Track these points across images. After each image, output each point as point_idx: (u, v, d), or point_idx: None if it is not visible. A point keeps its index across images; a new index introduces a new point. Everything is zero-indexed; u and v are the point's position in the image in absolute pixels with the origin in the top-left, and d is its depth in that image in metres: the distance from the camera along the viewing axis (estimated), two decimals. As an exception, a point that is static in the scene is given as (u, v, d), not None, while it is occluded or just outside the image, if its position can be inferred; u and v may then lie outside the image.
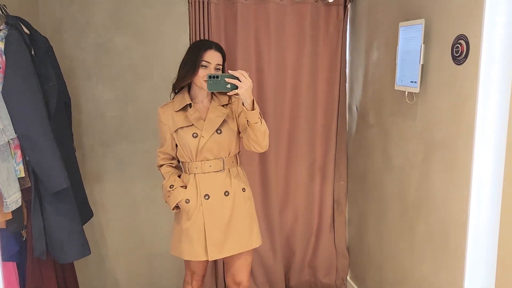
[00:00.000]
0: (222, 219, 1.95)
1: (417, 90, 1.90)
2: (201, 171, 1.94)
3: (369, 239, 2.59)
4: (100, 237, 2.70)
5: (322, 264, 2.95)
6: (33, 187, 1.75)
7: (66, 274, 2.13)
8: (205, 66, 1.86)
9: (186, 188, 1.96)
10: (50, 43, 2.11)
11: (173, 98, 2.00)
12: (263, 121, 1.85)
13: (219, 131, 1.92)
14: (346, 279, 2.95)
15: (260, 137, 1.84)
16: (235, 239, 1.98)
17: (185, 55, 1.93)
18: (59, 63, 2.17)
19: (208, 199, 1.93)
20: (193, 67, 1.86)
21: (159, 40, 2.56)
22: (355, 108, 2.70)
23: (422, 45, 1.85)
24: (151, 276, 2.81)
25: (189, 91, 1.98)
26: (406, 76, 1.98)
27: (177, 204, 1.94)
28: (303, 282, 2.98)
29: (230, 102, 1.98)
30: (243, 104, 1.77)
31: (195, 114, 1.93)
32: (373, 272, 2.57)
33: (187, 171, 1.98)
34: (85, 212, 2.21)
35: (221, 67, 1.92)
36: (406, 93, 2.00)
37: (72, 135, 2.27)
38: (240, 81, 1.69)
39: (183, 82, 1.92)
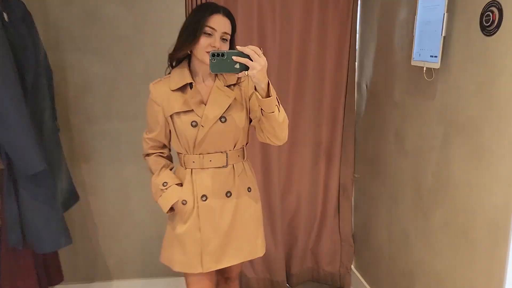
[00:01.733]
0: (222, 225, 1.66)
1: (437, 65, 1.69)
2: (199, 166, 1.63)
3: (378, 227, 2.42)
4: (89, 222, 2.54)
5: (326, 252, 2.79)
6: (6, 169, 1.57)
7: (49, 264, 1.96)
8: (209, 34, 1.51)
9: (181, 186, 1.66)
10: (31, 10, 1.90)
11: (169, 73, 1.65)
12: (281, 108, 1.51)
13: (223, 119, 1.59)
14: (351, 268, 2.80)
15: (277, 128, 1.52)
16: (236, 248, 1.70)
17: (186, 19, 1.59)
18: (42, 32, 1.97)
19: (205, 200, 1.63)
20: (193, 33, 1.50)
21: (153, 9, 2.33)
22: (365, 86, 2.49)
23: (445, 14, 1.63)
24: (145, 262, 2.65)
25: (189, 66, 1.63)
26: (425, 50, 1.76)
27: (172, 205, 1.64)
28: (305, 270, 2.83)
29: (238, 82, 1.66)
30: (255, 89, 1.44)
31: (197, 97, 1.58)
32: (381, 262, 2.40)
33: (183, 165, 1.68)
34: (70, 196, 2.05)
35: (229, 37, 1.56)
36: (425, 69, 1.79)
37: (55, 112, 2.08)
38: (252, 60, 1.36)
39: (180, 51, 1.56)
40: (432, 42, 1.71)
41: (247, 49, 1.36)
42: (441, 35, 1.65)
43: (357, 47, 2.52)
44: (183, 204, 1.62)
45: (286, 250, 2.78)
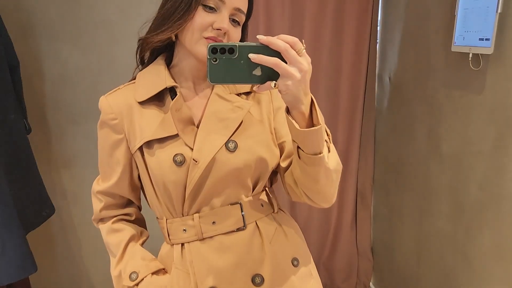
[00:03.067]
0: None
1: (490, 50, 1.35)
2: (195, 236, 0.95)
3: (403, 242, 2.09)
4: (71, 235, 2.22)
5: (341, 266, 2.47)
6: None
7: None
8: (211, 8, 0.88)
9: (165, 273, 1.01)
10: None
11: (134, 77, 1.00)
12: (332, 147, 0.89)
13: (231, 145, 0.92)
14: (369, 285, 2.47)
15: (324, 180, 0.88)
16: None
17: None
18: (11, 16, 1.68)
19: None
20: (185, 3, 0.87)
21: (141, -11, 2.01)
22: (388, 79, 2.14)
23: (503, -16, 1.29)
24: (135, 281, 2.34)
25: (168, 63, 0.99)
26: (472, 32, 1.43)
27: None
28: (317, 286, 2.51)
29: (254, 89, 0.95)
30: (287, 112, 0.81)
31: (184, 113, 0.93)
32: (405, 282, 2.07)
33: (168, 239, 1.00)
34: (42, 210, 1.73)
35: (243, 19, 0.94)
36: (471, 55, 1.45)
37: (25, 109, 1.76)
38: (286, 62, 0.74)
39: (161, 34, 0.90)
40: (483, 21, 1.37)
41: (277, 41, 0.73)
42: (496, 11, 1.31)
43: (378, 34, 2.18)
44: None
45: (296, 264, 2.46)
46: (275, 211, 1.04)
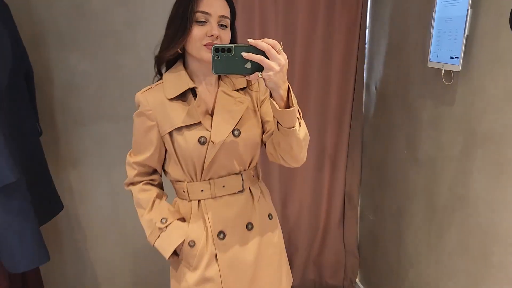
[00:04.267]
0: (246, 267, 1.35)
1: (458, 68, 1.51)
2: (209, 195, 1.32)
3: (385, 240, 2.25)
4: (77, 230, 2.37)
5: (329, 263, 2.63)
6: (-27, 180, 1.40)
7: (27, 279, 1.80)
8: (202, 21, 1.18)
9: (184, 221, 1.35)
10: (12, 3, 1.74)
11: (159, 79, 1.33)
12: (302, 122, 1.19)
13: (236, 132, 1.27)
14: (356, 281, 2.63)
15: (296, 147, 1.19)
16: None
17: (172, 8, 1.25)
18: (24, 27, 1.80)
19: (223, 238, 1.31)
20: (183, 24, 1.18)
21: (145, 2, 2.16)
22: (374, 88, 2.30)
23: (469, 9, 1.45)
24: (136, 274, 2.49)
25: (184, 67, 1.31)
26: (444, 50, 1.58)
27: (175, 249, 1.31)
28: (307, 281, 2.66)
29: (249, 85, 1.36)
30: (271, 96, 1.10)
31: (203, 106, 1.27)
32: (388, 278, 2.23)
33: (186, 196, 1.34)
34: (52, 206, 1.88)
35: (228, 22, 1.24)
36: (443, 71, 1.61)
37: (37, 113, 1.91)
38: (268, 58, 1.03)
39: (169, 50, 1.22)
40: (453, 41, 1.53)
41: (261, 43, 1.02)
42: (464, 33, 1.47)
43: (366, 45, 2.34)
44: (190, 246, 1.30)
45: (287, 260, 2.61)
46: (259, 180, 1.44)
